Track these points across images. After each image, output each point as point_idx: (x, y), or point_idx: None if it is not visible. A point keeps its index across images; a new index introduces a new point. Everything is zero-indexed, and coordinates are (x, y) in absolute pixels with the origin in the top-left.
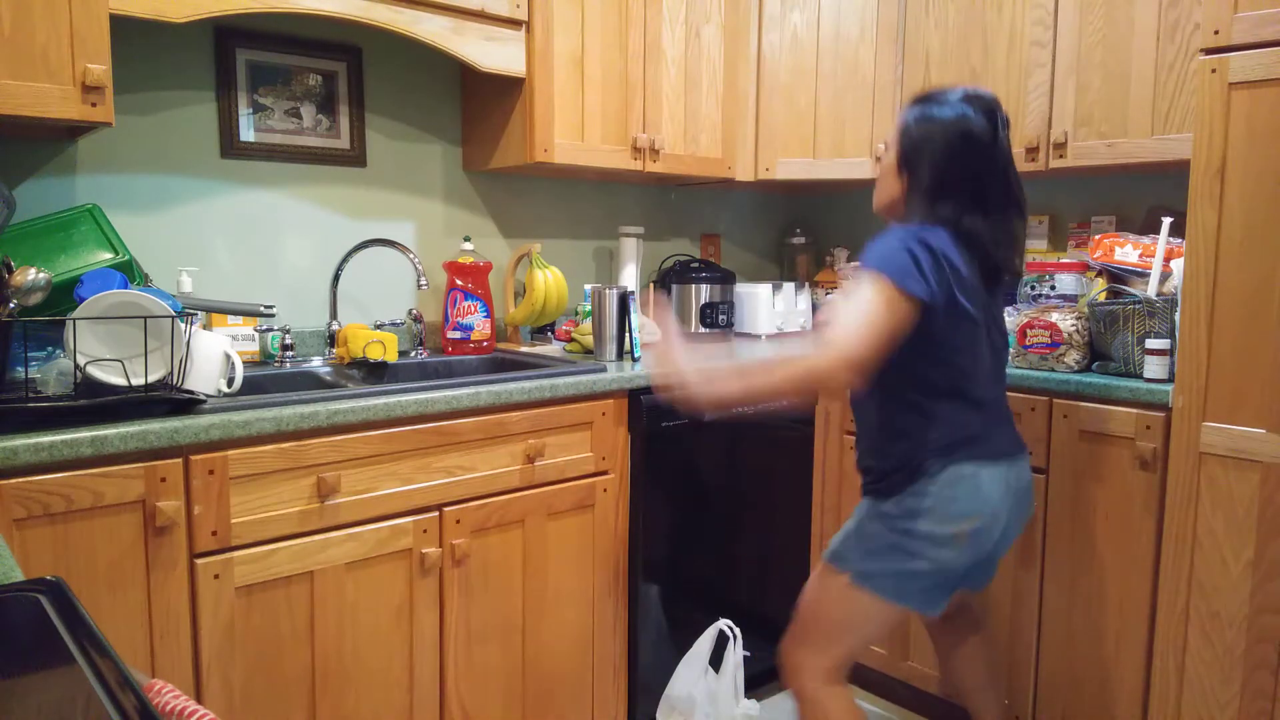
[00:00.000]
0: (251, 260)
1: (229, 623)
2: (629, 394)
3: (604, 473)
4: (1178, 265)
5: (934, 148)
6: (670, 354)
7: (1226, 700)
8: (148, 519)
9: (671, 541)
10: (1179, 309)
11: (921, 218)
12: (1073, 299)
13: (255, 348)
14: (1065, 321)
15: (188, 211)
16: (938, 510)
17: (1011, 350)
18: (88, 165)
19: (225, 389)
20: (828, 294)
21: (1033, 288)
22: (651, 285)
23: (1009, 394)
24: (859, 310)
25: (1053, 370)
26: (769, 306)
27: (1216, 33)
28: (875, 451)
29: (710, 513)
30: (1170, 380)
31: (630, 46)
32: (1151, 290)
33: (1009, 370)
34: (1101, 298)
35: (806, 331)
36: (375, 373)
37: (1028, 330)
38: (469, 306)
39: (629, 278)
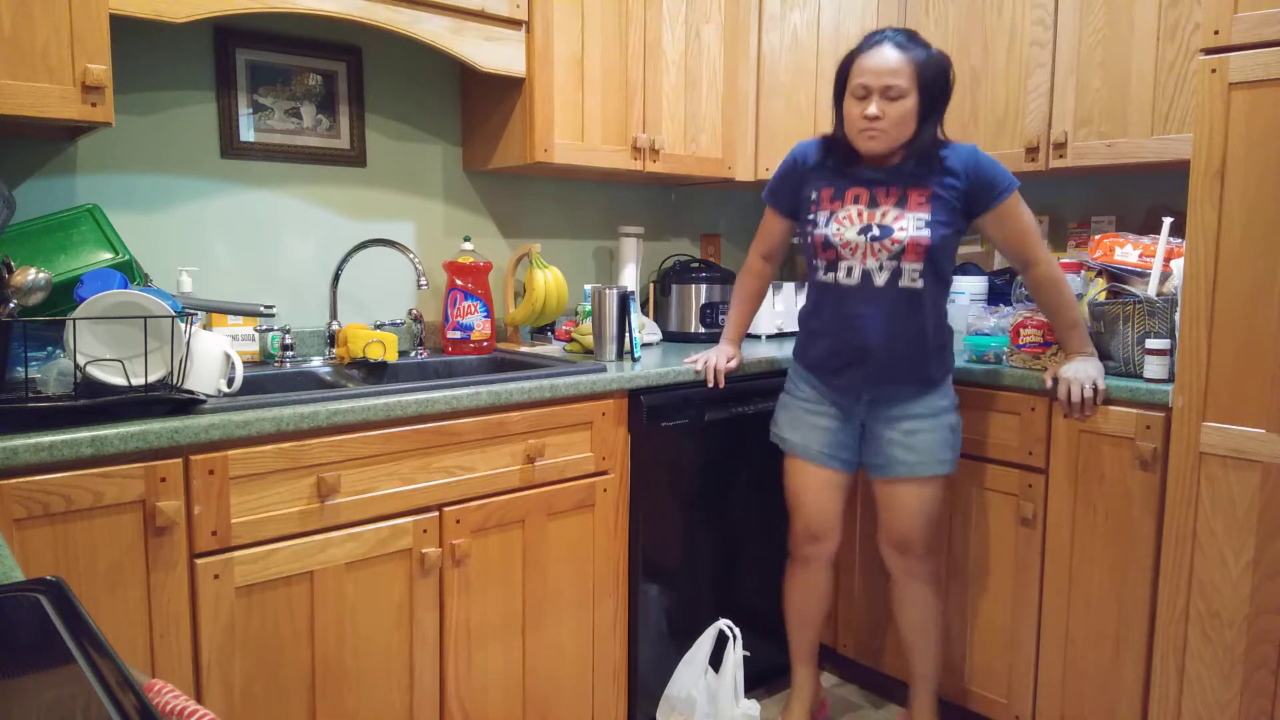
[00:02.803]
0: (251, 260)
1: (229, 623)
2: (629, 394)
3: (604, 473)
4: (1178, 265)
5: (945, 83)
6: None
7: (1227, 700)
8: (148, 519)
9: (671, 541)
10: (1179, 309)
11: (933, 144)
12: None
13: (255, 348)
14: None
15: (188, 211)
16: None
17: (1006, 350)
18: (88, 165)
19: (225, 389)
20: None
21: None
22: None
23: (1010, 393)
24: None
25: (1044, 369)
26: (769, 306)
27: (1216, 33)
28: (925, 357)
29: (710, 513)
30: (1170, 380)
31: (630, 46)
32: (1151, 290)
33: (1007, 369)
34: (1101, 297)
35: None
36: (375, 373)
37: (1020, 330)
38: (469, 306)
39: (629, 278)
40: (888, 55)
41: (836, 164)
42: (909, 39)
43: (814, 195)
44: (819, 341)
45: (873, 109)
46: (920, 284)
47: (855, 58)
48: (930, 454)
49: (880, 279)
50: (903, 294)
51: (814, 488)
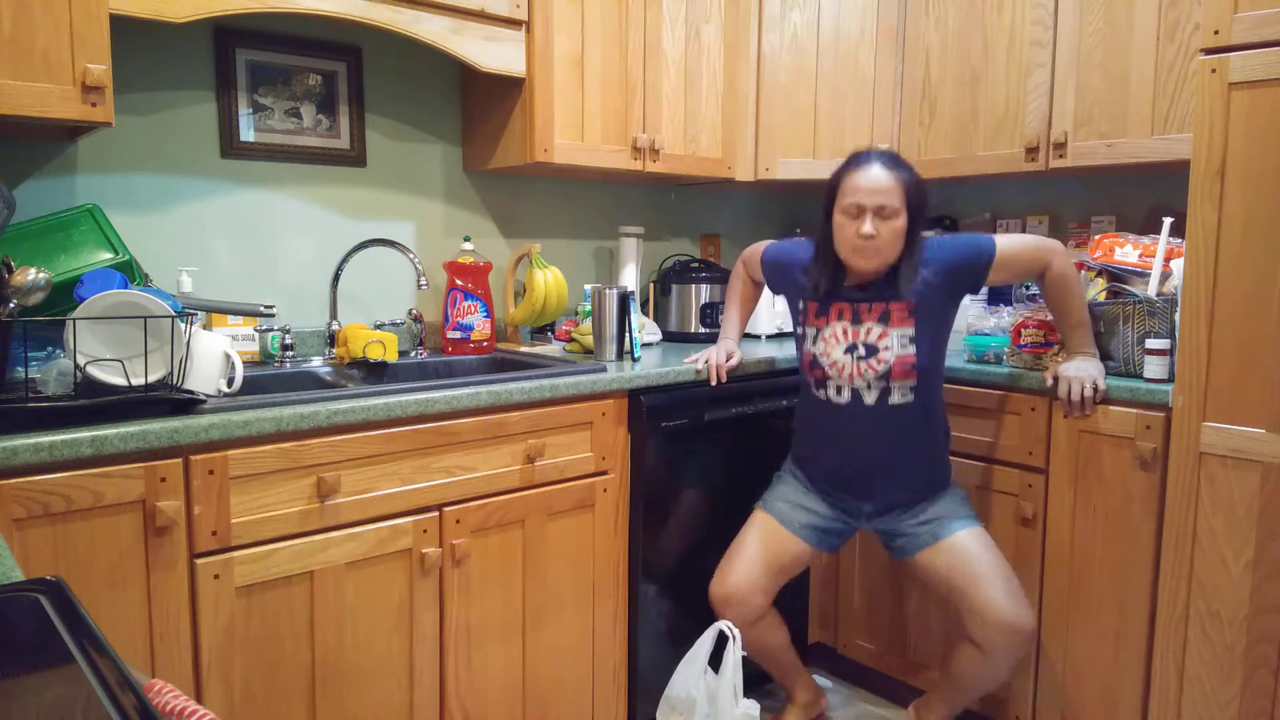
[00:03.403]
0: (251, 260)
1: (229, 623)
2: (629, 394)
3: (604, 473)
4: (1178, 265)
5: (926, 203)
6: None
7: (1227, 700)
8: (148, 519)
9: (671, 541)
10: (1179, 309)
11: (912, 268)
12: None
13: (255, 348)
14: None
15: (188, 211)
16: None
17: (1006, 350)
18: (88, 165)
19: (225, 389)
20: None
21: (1027, 287)
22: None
23: (1010, 393)
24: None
25: (1045, 369)
26: (769, 307)
27: (1216, 33)
28: (923, 470)
29: (710, 513)
30: (1170, 380)
31: (630, 46)
32: (1151, 290)
33: (1008, 369)
34: (1101, 297)
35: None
36: (375, 373)
37: (1022, 330)
38: (469, 306)
39: (629, 278)
40: (879, 175)
41: (822, 279)
42: (894, 160)
43: (800, 305)
44: (813, 458)
45: (868, 227)
46: (911, 398)
47: (843, 177)
48: (952, 513)
49: (870, 398)
50: (894, 411)
51: (763, 549)
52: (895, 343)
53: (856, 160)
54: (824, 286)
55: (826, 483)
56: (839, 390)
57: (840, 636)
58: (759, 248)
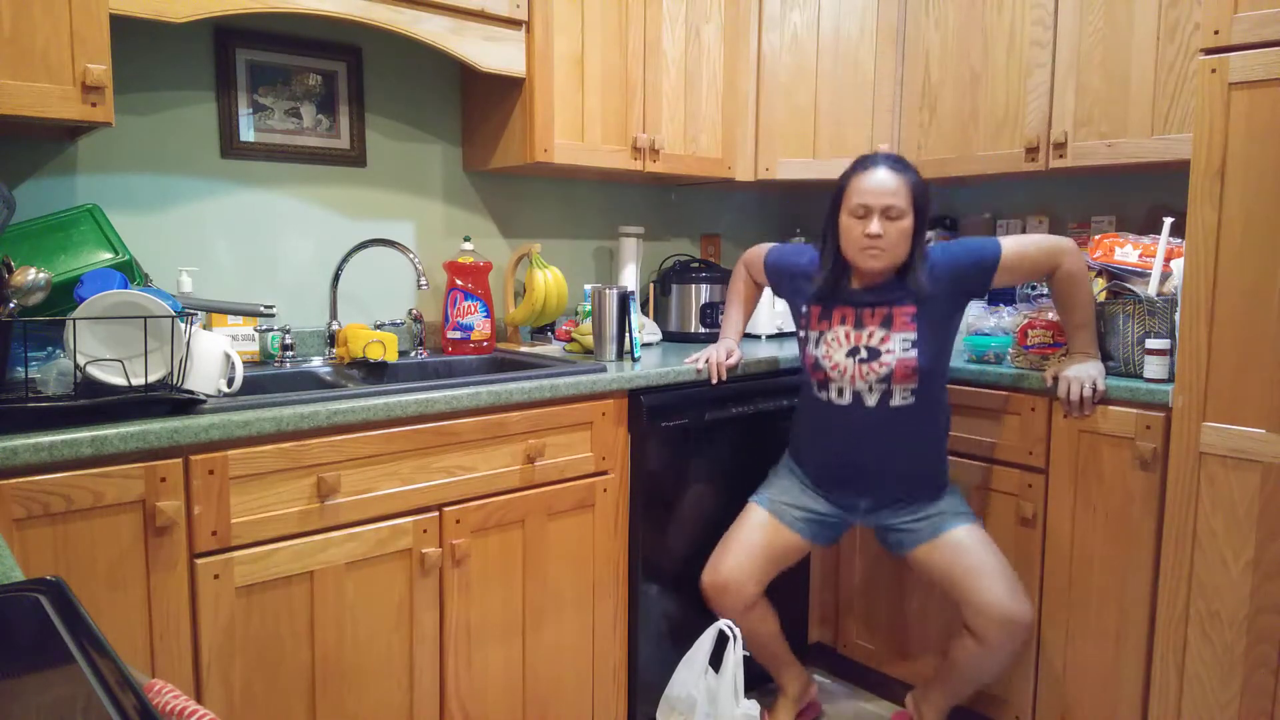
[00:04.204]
0: (251, 260)
1: (229, 623)
2: (629, 394)
3: (604, 473)
4: (1178, 265)
5: (929, 205)
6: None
7: (1227, 700)
8: (148, 519)
9: (671, 541)
10: (1179, 309)
11: (920, 270)
12: None
13: (255, 348)
14: None
15: (188, 211)
16: None
17: (1011, 350)
18: (88, 165)
19: (225, 389)
20: None
21: (1033, 288)
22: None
23: (1010, 393)
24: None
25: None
26: (769, 307)
27: (1216, 33)
28: (922, 472)
29: (710, 512)
30: (1170, 380)
31: (630, 46)
32: (1152, 290)
33: (1008, 369)
34: (1102, 297)
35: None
36: (375, 373)
37: (1029, 330)
38: (469, 306)
39: (629, 278)
40: (885, 178)
41: (826, 282)
42: (899, 163)
43: (803, 309)
44: (812, 456)
45: (875, 227)
46: (912, 400)
47: (850, 179)
48: (951, 509)
49: (871, 400)
50: (895, 414)
51: (757, 537)
52: (897, 346)
53: (863, 163)
54: (828, 289)
55: (824, 480)
56: (840, 392)
57: (840, 636)
58: (761, 250)
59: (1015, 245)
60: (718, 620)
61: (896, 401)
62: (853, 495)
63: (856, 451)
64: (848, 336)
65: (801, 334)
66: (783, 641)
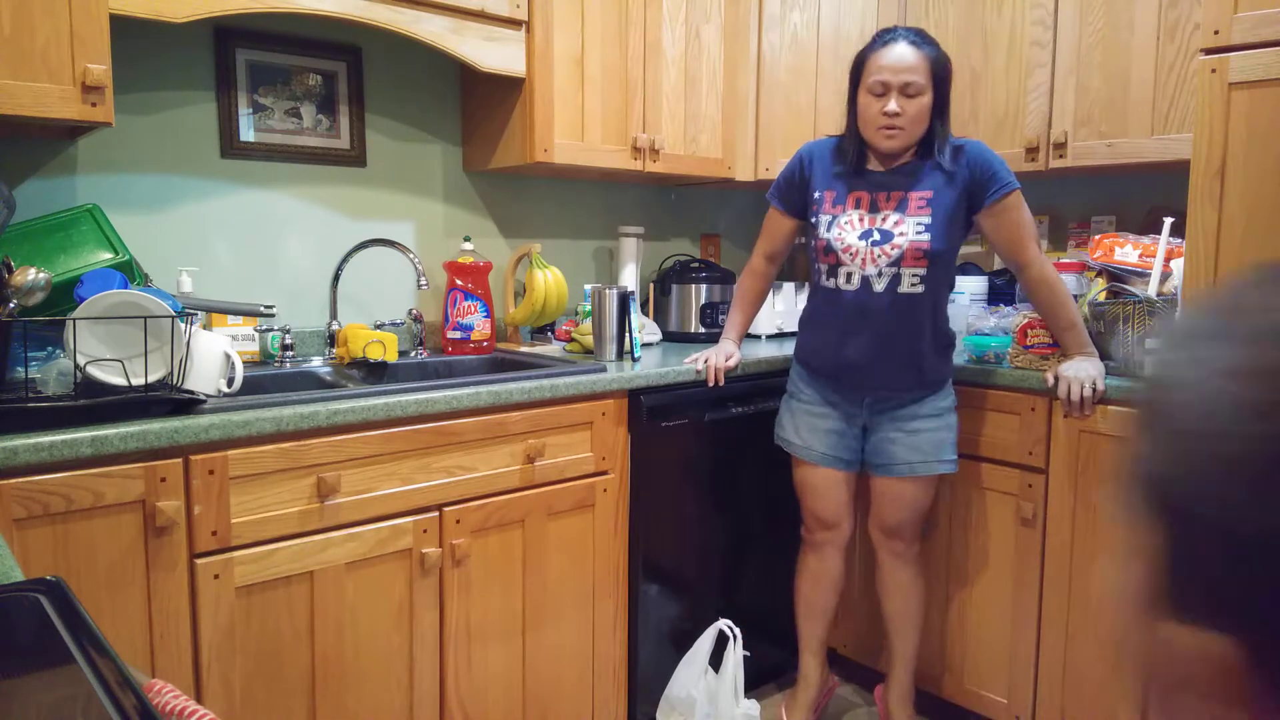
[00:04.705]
0: (251, 260)
1: (229, 623)
2: (629, 394)
3: (604, 473)
4: (1178, 265)
5: (950, 81)
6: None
7: None
8: (148, 519)
9: (671, 541)
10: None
11: (943, 145)
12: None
13: (255, 348)
14: None
15: (188, 211)
16: None
17: (1011, 350)
18: (88, 165)
19: (225, 389)
20: None
21: None
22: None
23: (1010, 393)
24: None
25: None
26: (769, 307)
27: (1216, 33)
28: (925, 357)
29: (710, 512)
30: None
31: (630, 46)
32: (1152, 290)
33: (1008, 370)
34: (1102, 297)
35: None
36: (375, 373)
37: (1029, 330)
38: (469, 306)
39: (629, 278)
40: (904, 52)
41: (843, 165)
42: (921, 37)
43: (817, 196)
44: (819, 347)
45: (893, 105)
46: (921, 289)
47: (869, 55)
48: (934, 453)
49: (879, 285)
50: (902, 299)
51: (820, 485)
52: (910, 228)
53: (882, 37)
54: (845, 172)
55: (830, 376)
56: (849, 277)
57: (840, 636)
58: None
59: (1021, 204)
60: (718, 620)
61: (904, 288)
62: (856, 388)
63: (861, 336)
64: (861, 220)
65: (814, 219)
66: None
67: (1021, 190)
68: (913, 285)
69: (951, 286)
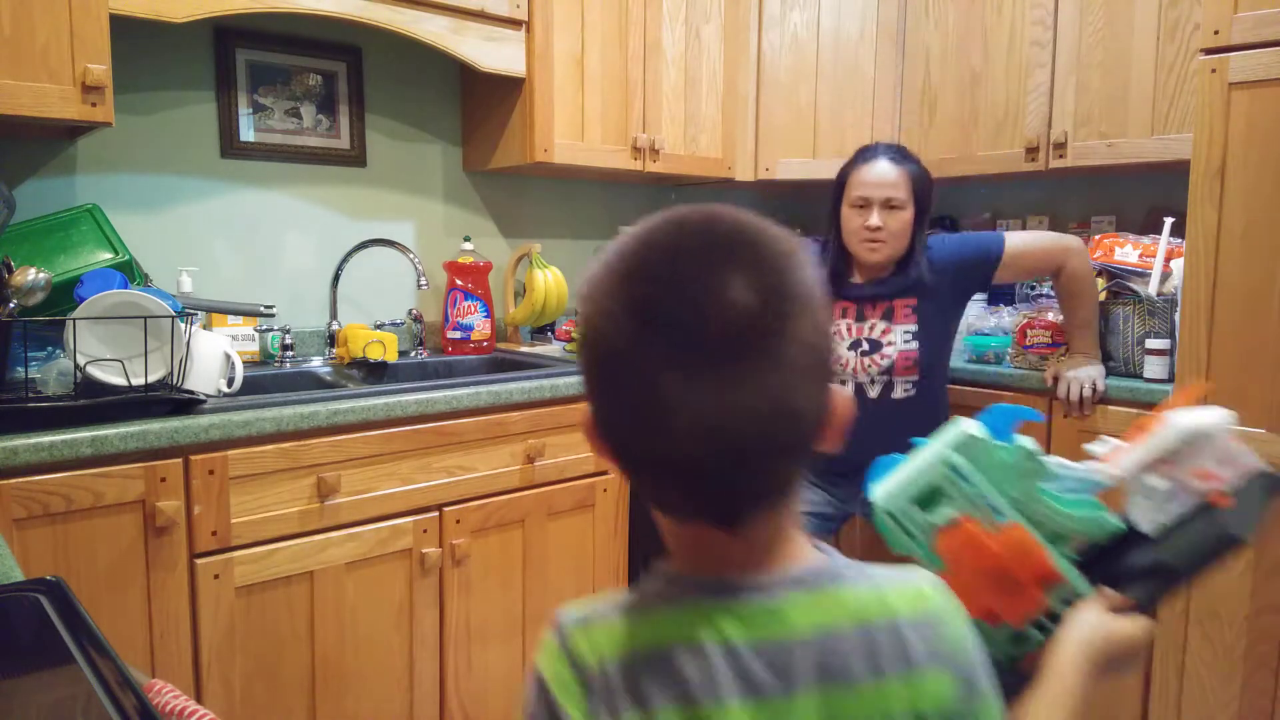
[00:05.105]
0: (251, 260)
1: (229, 623)
2: None
3: (604, 472)
4: (1178, 265)
5: (931, 196)
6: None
7: (1227, 700)
8: (148, 519)
9: None
10: (1179, 309)
11: (921, 260)
12: None
13: (255, 348)
14: None
15: (188, 211)
16: None
17: (1011, 350)
18: (88, 165)
19: (225, 389)
20: None
21: (1032, 288)
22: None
23: (1009, 394)
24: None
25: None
26: None
27: (1216, 33)
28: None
29: None
30: (1170, 380)
31: (630, 46)
32: (1152, 290)
33: (1008, 370)
34: (1102, 297)
35: None
36: (375, 373)
37: (1028, 330)
38: (469, 306)
39: None
40: (885, 169)
41: (828, 276)
42: (901, 154)
43: None
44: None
45: (875, 219)
46: (914, 392)
47: (851, 171)
48: None
49: (873, 392)
50: (897, 405)
51: None
52: (898, 338)
53: (864, 154)
54: (830, 284)
55: (825, 473)
56: (842, 385)
57: None
58: None
59: (1019, 241)
60: None
61: (898, 394)
62: (853, 488)
63: (859, 443)
64: (850, 330)
65: None
66: None
67: (1020, 191)
68: (906, 391)
69: (946, 378)
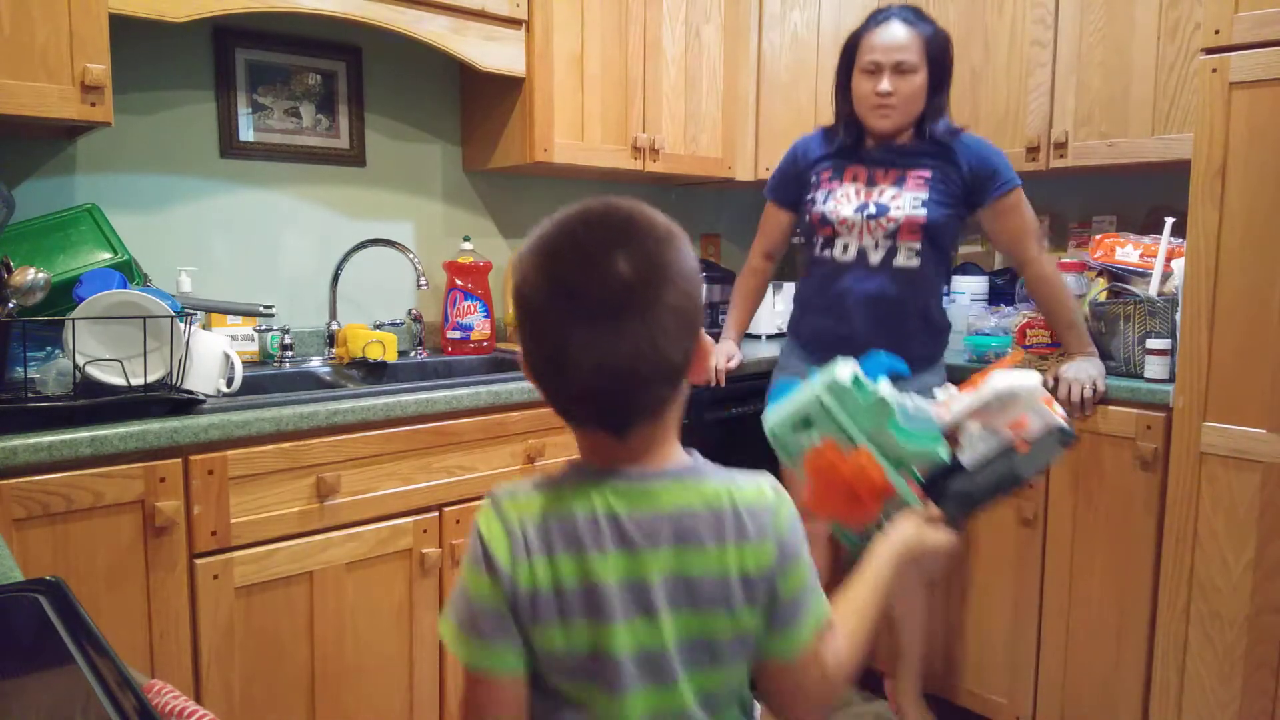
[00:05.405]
0: (251, 260)
1: (229, 623)
2: None
3: None
4: (1178, 265)
5: (950, 59)
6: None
7: (1227, 700)
8: (147, 519)
9: None
10: (1180, 309)
11: (938, 122)
12: None
13: (255, 348)
14: None
15: (187, 211)
16: None
17: (1009, 350)
18: (87, 165)
19: (225, 389)
20: None
21: None
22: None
23: None
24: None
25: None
26: (770, 307)
27: (1217, 32)
28: (917, 336)
29: None
30: (1171, 380)
31: (630, 46)
32: (1152, 290)
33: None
34: (1102, 297)
35: None
36: (375, 373)
37: (1028, 330)
38: (469, 306)
39: None
40: (897, 31)
41: (840, 146)
42: (915, 14)
43: (814, 179)
44: (811, 318)
45: (885, 85)
46: (916, 263)
47: (862, 35)
48: None
49: (875, 257)
50: (898, 273)
51: None
52: (907, 203)
53: (874, 17)
54: (840, 150)
55: (820, 347)
56: (845, 248)
57: None
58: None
59: (1024, 203)
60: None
61: (900, 261)
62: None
63: (854, 307)
64: (858, 193)
65: (810, 196)
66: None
67: (1023, 187)
68: (909, 259)
69: (948, 269)
